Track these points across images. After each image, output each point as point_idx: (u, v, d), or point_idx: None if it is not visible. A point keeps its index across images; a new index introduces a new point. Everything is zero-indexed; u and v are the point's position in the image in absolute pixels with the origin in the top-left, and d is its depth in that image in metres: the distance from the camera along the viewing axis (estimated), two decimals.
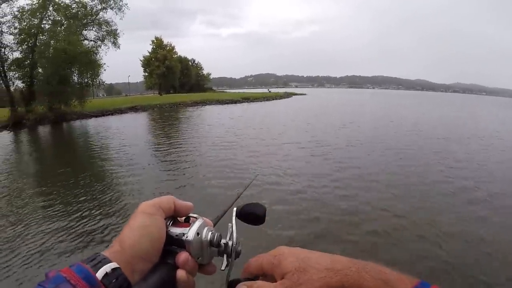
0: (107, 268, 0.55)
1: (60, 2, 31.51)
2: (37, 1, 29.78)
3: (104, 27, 34.72)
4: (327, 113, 33.96)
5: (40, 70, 30.05)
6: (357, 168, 11.43)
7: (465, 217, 7.23)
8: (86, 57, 31.30)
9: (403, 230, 6.59)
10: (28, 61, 29.74)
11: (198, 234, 0.64)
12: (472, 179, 10.23)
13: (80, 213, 7.49)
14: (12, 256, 5.66)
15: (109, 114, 34.67)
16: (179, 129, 23.19)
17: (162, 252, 0.63)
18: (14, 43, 29.31)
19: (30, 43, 29.69)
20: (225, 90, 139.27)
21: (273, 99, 61.10)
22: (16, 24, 29.09)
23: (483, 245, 5.99)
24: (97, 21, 34.49)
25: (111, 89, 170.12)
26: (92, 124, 28.47)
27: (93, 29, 34.79)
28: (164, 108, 42.59)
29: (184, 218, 0.70)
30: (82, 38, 33.39)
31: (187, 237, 0.63)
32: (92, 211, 7.59)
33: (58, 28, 30.85)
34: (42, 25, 30.58)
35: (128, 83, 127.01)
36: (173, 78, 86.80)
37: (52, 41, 29.68)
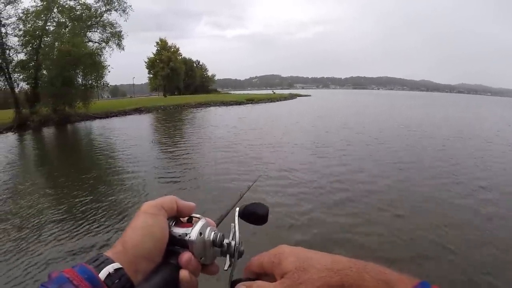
0: (110, 268, 0.55)
1: (64, 4, 31.70)
2: (42, 3, 29.94)
3: (109, 28, 34.94)
4: (331, 115, 33.76)
5: (44, 71, 30.17)
6: (360, 169, 11.38)
7: (467, 215, 7.25)
8: (90, 58, 31.37)
9: (405, 230, 6.58)
10: (33, 63, 29.75)
11: (201, 234, 0.64)
12: (474, 177, 10.27)
13: (85, 214, 7.49)
14: (17, 257, 5.66)
15: (113, 116, 34.70)
16: (183, 130, 23.26)
17: (165, 252, 0.63)
18: (18, 45, 29.39)
19: (35, 45, 29.76)
20: (229, 92, 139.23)
21: (278, 101, 60.95)
22: (21, 26, 29.20)
23: (488, 245, 5.95)
24: (102, 23, 34.67)
25: (116, 91, 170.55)
26: (96, 125, 28.53)
27: (98, 30, 34.97)
28: (168, 109, 42.62)
29: (186, 218, 0.70)
30: (86, 40, 33.57)
31: (190, 237, 0.64)
32: (97, 213, 7.59)
33: (63, 30, 31.02)
34: (47, 27, 30.78)
35: (133, 84, 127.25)
36: (178, 79, 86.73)
37: (56, 43, 29.79)
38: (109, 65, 34.51)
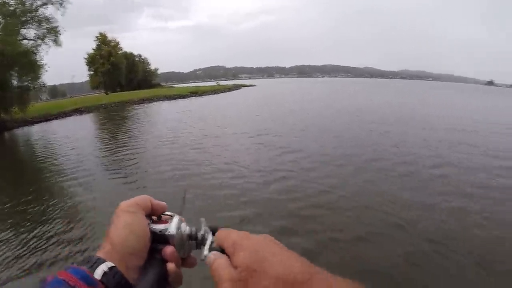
0: (103, 267, 0.57)
1: None
2: None
3: (45, 24, 32.96)
4: (273, 103, 35.11)
5: None
6: (300, 151, 12.73)
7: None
8: (26, 57, 29.63)
9: (347, 209, 7.41)
10: None
11: (178, 228, 0.68)
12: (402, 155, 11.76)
13: (31, 229, 7.23)
14: None
15: (53, 119, 33.44)
16: (126, 128, 22.85)
17: (149, 251, 0.66)
18: None
19: None
20: (173, 85, 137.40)
21: (222, 92, 61.20)
22: None
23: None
24: (37, 18, 32.62)
25: (55, 91, 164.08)
26: (36, 130, 27.36)
27: (33, 27, 32.89)
28: (110, 107, 41.76)
29: (159, 216, 0.74)
30: (20, 38, 31.71)
31: (169, 232, 0.67)
32: (43, 229, 7.26)
33: None
34: None
35: (73, 83, 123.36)
36: (119, 75, 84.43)
37: None
38: (45, 64, 32.64)
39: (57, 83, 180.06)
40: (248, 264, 0.53)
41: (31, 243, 6.65)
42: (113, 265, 0.58)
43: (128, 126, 24.33)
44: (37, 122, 31.46)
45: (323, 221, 6.89)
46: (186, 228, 0.70)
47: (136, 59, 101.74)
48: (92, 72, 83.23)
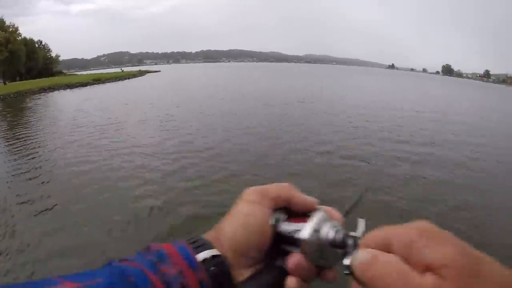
0: (207, 253, 0.52)
1: None
2: None
3: None
4: (175, 90, 37.03)
5: None
6: (209, 138, 14.01)
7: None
8: None
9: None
10: None
11: (316, 231, 0.51)
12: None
13: None
14: None
15: None
16: (23, 123, 21.24)
17: (270, 251, 0.55)
18: None
19: None
20: (76, 73, 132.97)
21: (126, 79, 61.96)
22: None
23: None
24: None
25: None
26: None
27: None
28: (8, 99, 39.97)
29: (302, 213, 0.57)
30: None
31: (301, 235, 0.51)
32: None
33: None
34: None
35: None
36: (18, 63, 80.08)
37: None
38: None
39: None
40: (465, 264, 0.34)
41: None
42: (219, 253, 0.52)
43: (26, 118, 23.52)
44: None
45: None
46: (329, 232, 0.51)
47: (36, 45, 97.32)
48: None
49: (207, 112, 20.29)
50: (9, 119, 24.14)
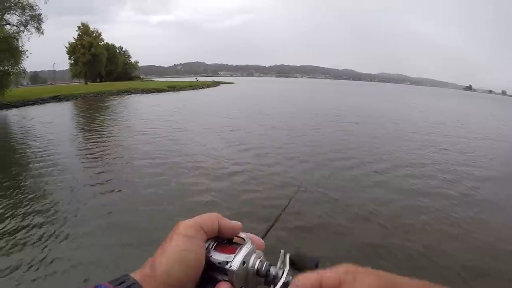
0: None
1: None
2: None
3: (28, 11, 33.38)
4: (250, 101, 36.48)
5: None
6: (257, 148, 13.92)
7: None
8: (7, 43, 30.15)
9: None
10: None
11: (244, 263, 0.58)
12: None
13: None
14: None
15: (31, 104, 34.04)
16: (100, 119, 23.53)
17: (201, 277, 0.59)
18: None
19: None
20: (153, 79, 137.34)
21: (200, 88, 62.40)
22: None
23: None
24: (20, 4, 32.98)
25: (36, 77, 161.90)
26: (13, 114, 27.64)
27: (16, 13, 33.22)
28: (88, 97, 42.30)
29: (229, 239, 0.64)
30: (3, 23, 32.27)
31: (231, 266, 0.57)
32: (15, 217, 7.27)
33: None
34: None
35: (54, 71, 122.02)
36: (99, 66, 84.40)
37: None
38: (27, 50, 33.10)
39: (39, 69, 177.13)
40: (383, 285, 0.43)
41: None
42: None
43: (103, 116, 25.25)
44: (15, 107, 32.08)
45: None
46: (255, 262, 0.59)
47: (117, 51, 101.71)
48: (72, 61, 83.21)
49: (274, 125, 19.72)
50: (87, 115, 26.44)
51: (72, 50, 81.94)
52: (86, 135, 17.83)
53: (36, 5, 33.91)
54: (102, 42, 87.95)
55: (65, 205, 7.92)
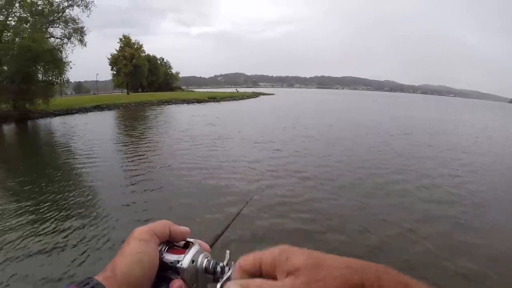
0: None
1: None
2: None
3: (71, 24, 34.42)
4: (290, 113, 35.21)
5: (4, 67, 30.06)
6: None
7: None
8: (51, 54, 31.28)
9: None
10: None
11: (193, 261, 0.65)
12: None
13: (46, 223, 7.16)
14: None
15: (74, 113, 34.87)
16: (140, 127, 24.07)
17: (156, 278, 0.64)
18: None
19: None
20: (193, 90, 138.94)
21: (240, 99, 61.97)
22: None
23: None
24: (64, 18, 34.20)
25: (80, 87, 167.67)
26: (57, 122, 28.83)
27: (60, 26, 34.49)
28: (130, 107, 42.99)
29: (179, 243, 0.71)
30: (48, 35, 33.26)
31: (181, 264, 0.64)
32: (58, 219, 7.39)
33: (24, 25, 30.87)
34: (8, 22, 30.54)
35: (97, 81, 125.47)
36: (141, 76, 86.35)
37: (17, 38, 29.69)
38: (70, 62, 34.35)
39: (82, 79, 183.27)
40: (311, 262, 0.48)
41: (50, 219, 7.39)
42: None
43: (143, 124, 25.73)
44: (59, 115, 32.93)
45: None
46: (203, 261, 0.66)
47: (158, 62, 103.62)
48: (114, 72, 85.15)
49: (312, 136, 19.16)
50: (128, 123, 27.59)
51: (114, 61, 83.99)
52: (126, 141, 18.56)
53: (78, 19, 34.90)
54: (144, 54, 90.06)
55: (105, 207, 8.20)
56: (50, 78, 33.27)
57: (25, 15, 31.72)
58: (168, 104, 47.09)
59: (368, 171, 11.84)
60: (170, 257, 0.66)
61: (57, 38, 34.62)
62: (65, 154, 15.48)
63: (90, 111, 36.93)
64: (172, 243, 0.69)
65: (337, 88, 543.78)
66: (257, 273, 0.54)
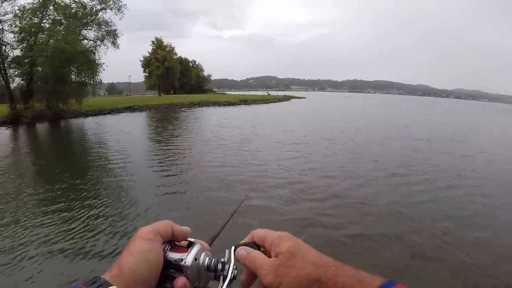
0: None
1: (60, 1, 32.13)
2: (38, 0, 30.40)
3: (104, 27, 35.14)
4: (316, 117, 34.77)
5: (39, 68, 30.64)
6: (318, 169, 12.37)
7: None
8: (84, 56, 31.88)
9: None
10: (28, 59, 30.16)
11: (195, 259, 0.68)
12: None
13: (78, 221, 7.25)
14: (7, 261, 5.53)
15: (106, 113, 35.44)
16: (170, 128, 24.09)
17: (160, 276, 0.66)
18: (14, 41, 29.85)
19: (30, 42, 30.21)
20: (225, 92, 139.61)
21: (271, 102, 61.62)
22: (17, 23, 29.60)
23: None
24: (97, 21, 34.91)
25: (113, 88, 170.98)
26: (89, 122, 29.32)
27: (93, 29, 35.20)
28: (161, 108, 43.23)
29: (182, 242, 0.74)
30: (81, 38, 33.93)
31: (185, 262, 0.67)
32: (89, 216, 7.50)
33: (57, 27, 31.51)
34: (42, 24, 31.16)
35: (129, 82, 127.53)
36: (173, 78, 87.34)
37: (51, 40, 30.20)
38: (103, 63, 34.99)
39: (115, 81, 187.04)
40: (290, 251, 0.64)
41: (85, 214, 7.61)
42: None
43: (173, 125, 25.96)
44: (91, 115, 33.56)
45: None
46: (205, 259, 0.70)
47: (190, 64, 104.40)
48: (147, 74, 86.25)
49: (340, 141, 18.37)
50: (159, 124, 28.21)
51: (147, 63, 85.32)
52: (156, 141, 19.11)
53: (111, 21, 35.58)
54: (176, 56, 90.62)
55: (134, 204, 8.35)
56: (83, 79, 33.93)
57: (59, 18, 32.52)
58: (199, 106, 47.25)
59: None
60: (173, 256, 0.68)
61: (90, 40, 35.45)
62: (98, 152, 15.83)
63: (121, 112, 37.50)
64: (174, 243, 0.72)
65: (369, 92, 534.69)
66: (261, 245, 0.71)
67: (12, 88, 30.72)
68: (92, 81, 34.76)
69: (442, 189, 9.95)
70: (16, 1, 29.55)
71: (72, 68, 32.53)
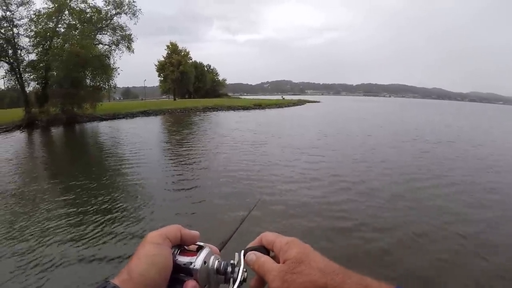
0: None
1: (75, 6, 32.35)
2: (53, 5, 30.63)
3: (118, 31, 35.33)
4: (334, 121, 34.28)
5: (54, 72, 30.69)
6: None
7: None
8: (99, 60, 32.03)
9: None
10: (43, 64, 30.46)
11: (205, 262, 0.68)
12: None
13: (92, 225, 7.22)
14: (23, 263, 5.56)
15: (121, 117, 35.49)
16: (184, 132, 24.09)
17: (170, 280, 0.66)
18: (30, 45, 30.27)
19: (45, 46, 30.52)
20: (240, 96, 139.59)
21: (286, 106, 61.23)
22: (32, 27, 29.99)
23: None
24: (111, 25, 35.14)
25: (128, 93, 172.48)
26: (103, 126, 29.29)
27: (107, 33, 35.45)
28: (176, 113, 43.22)
29: (191, 246, 0.73)
30: (96, 42, 34.10)
31: (194, 266, 0.67)
32: (104, 221, 7.48)
33: (72, 31, 31.72)
34: (57, 29, 31.49)
35: (144, 87, 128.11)
36: (188, 83, 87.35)
37: (66, 44, 30.40)
38: (118, 67, 35.14)
39: (130, 85, 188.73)
40: (298, 257, 0.63)
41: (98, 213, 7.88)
42: None
43: (187, 129, 25.86)
44: (106, 119, 33.58)
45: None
46: (214, 262, 0.69)
47: (205, 69, 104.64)
48: (162, 78, 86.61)
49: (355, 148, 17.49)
50: (173, 128, 28.32)
51: (162, 67, 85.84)
52: (170, 144, 19.36)
53: (126, 26, 35.78)
54: (191, 61, 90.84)
55: (148, 205, 8.48)
56: (98, 83, 34.02)
57: (74, 23, 32.80)
58: (214, 111, 47.05)
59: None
60: (183, 259, 0.68)
61: (105, 44, 35.67)
62: (112, 156, 16.02)
63: (136, 116, 37.49)
64: (184, 247, 0.72)
65: (384, 96, 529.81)
66: (270, 249, 0.72)
67: (27, 92, 30.96)
68: (107, 85, 34.85)
69: None
70: (32, 6, 29.88)
71: (87, 72, 32.54)
